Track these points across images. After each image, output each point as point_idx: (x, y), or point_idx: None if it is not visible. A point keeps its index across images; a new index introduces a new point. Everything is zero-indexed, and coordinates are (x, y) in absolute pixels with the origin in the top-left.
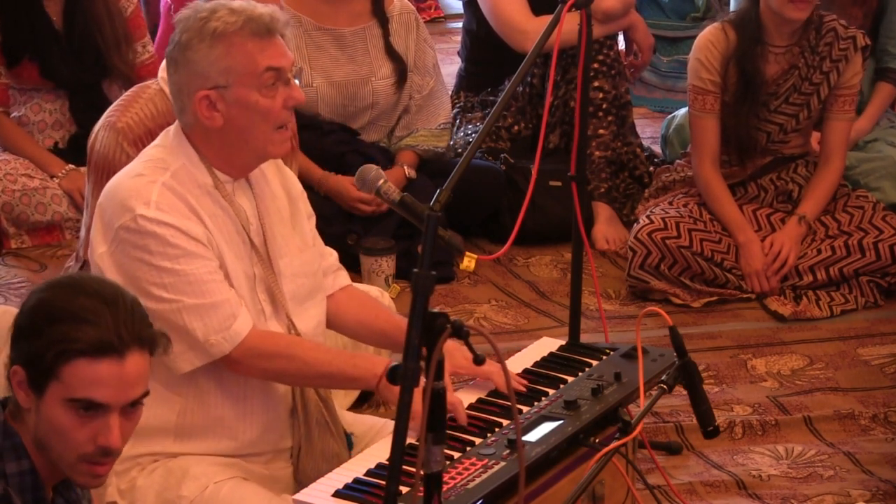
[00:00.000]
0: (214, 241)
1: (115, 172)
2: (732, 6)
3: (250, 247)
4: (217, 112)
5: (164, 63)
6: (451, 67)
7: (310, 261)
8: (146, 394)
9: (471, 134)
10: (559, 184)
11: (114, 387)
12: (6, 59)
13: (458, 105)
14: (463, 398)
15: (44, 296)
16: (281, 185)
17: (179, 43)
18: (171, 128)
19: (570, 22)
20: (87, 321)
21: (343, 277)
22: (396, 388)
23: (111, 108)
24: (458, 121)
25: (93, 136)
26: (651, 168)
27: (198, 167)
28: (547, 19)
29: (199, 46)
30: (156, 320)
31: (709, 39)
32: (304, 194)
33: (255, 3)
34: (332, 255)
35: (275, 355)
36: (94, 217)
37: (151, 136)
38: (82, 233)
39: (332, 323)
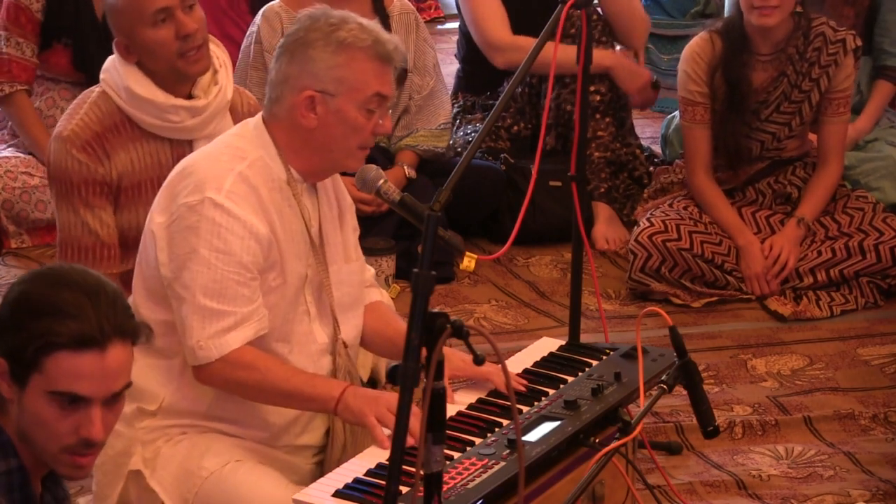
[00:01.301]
0: (277, 239)
1: (71, 180)
2: (727, 10)
3: (309, 247)
4: (314, 114)
5: (105, 64)
6: (451, 67)
7: (356, 271)
8: (128, 385)
9: (470, 134)
10: (559, 184)
11: (96, 379)
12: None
13: (457, 105)
14: (463, 398)
15: (25, 287)
16: (335, 193)
17: (303, 39)
18: (251, 120)
19: (567, 51)
20: (69, 314)
21: (374, 293)
22: (357, 410)
23: (60, 120)
24: (458, 121)
25: (47, 149)
26: (651, 168)
27: (274, 160)
28: (524, 39)
29: (323, 48)
30: (176, 304)
31: (695, 50)
32: (353, 207)
33: (381, 27)
34: (370, 271)
35: (238, 365)
36: (160, 191)
37: (99, 138)
38: (57, 250)
39: None
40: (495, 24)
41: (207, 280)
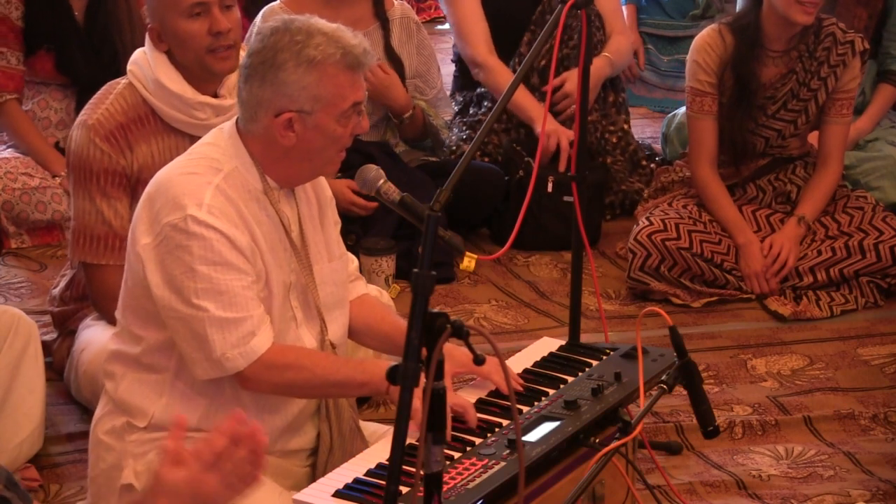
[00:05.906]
0: (259, 250)
1: (91, 168)
2: (739, 6)
3: (291, 253)
4: (293, 132)
5: (133, 56)
6: (450, 67)
7: (339, 269)
8: None
9: (473, 127)
10: (572, 199)
11: None
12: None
13: (456, 104)
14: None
15: None
16: (313, 189)
17: (272, 62)
18: (226, 125)
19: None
20: None
21: (360, 286)
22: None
23: (83, 108)
24: (455, 123)
25: (69, 137)
26: (652, 166)
27: (250, 171)
28: (499, 64)
29: (294, 70)
30: (181, 324)
31: (706, 42)
32: (333, 201)
33: (345, 29)
34: (353, 262)
35: (284, 367)
36: (138, 207)
37: (123, 129)
38: (69, 236)
39: None
40: (478, 41)
41: (214, 293)
